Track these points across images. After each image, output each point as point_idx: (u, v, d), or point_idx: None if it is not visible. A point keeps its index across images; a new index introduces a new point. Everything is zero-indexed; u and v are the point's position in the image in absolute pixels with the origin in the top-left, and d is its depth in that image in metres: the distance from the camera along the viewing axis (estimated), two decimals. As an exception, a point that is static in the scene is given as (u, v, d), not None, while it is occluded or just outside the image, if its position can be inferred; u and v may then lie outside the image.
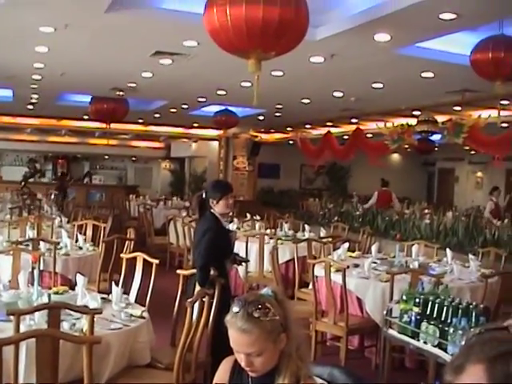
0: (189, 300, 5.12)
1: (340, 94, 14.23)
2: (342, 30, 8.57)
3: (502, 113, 11.69)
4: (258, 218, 15.08)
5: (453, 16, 7.67)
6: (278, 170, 27.54)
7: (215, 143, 25.28)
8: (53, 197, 21.59)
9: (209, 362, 5.62)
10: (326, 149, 19.03)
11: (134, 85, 13.96)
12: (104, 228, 10.96)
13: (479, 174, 27.75)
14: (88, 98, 15.96)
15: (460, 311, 5.35)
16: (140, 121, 22.42)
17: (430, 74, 11.36)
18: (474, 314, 5.30)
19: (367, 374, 7.20)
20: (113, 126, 16.90)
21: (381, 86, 12.76)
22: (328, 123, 20.03)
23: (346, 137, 19.89)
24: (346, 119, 18.85)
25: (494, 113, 12.66)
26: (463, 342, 4.99)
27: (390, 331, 6.23)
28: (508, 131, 13.43)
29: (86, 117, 20.27)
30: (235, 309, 2.75)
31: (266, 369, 2.78)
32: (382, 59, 10.23)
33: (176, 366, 4.98)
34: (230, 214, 9.24)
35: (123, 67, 12.10)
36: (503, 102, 12.15)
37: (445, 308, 5.49)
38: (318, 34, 8.93)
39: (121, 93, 14.90)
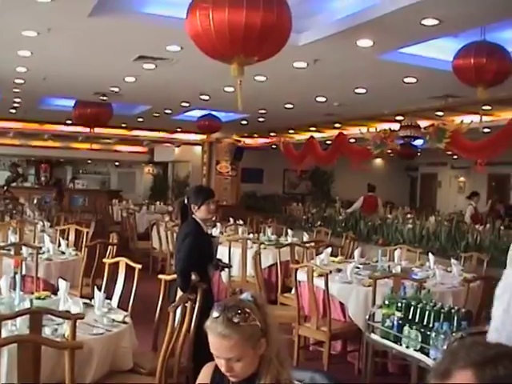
0: (171, 305, 5.12)
1: (323, 99, 14.25)
2: (325, 36, 8.59)
3: (484, 118, 11.77)
4: (241, 222, 15.08)
5: (435, 22, 7.71)
6: (261, 175, 27.54)
7: (198, 148, 25.26)
8: (35, 201, 21.52)
9: (191, 368, 5.61)
10: (309, 154, 19.04)
11: (117, 89, 13.93)
12: (87, 233, 10.91)
13: (462, 178, 27.89)
14: (71, 103, 15.93)
15: (442, 315, 5.38)
16: (123, 125, 22.37)
17: (413, 80, 11.41)
18: (456, 319, 5.33)
19: (350, 379, 7.21)
20: (96, 130, 16.90)
21: (364, 91, 12.79)
22: (311, 128, 20.08)
23: (328, 142, 19.95)
24: (328, 124, 18.90)
25: (476, 118, 12.73)
26: (445, 347, 5.01)
27: (373, 336, 6.25)
28: (490, 136, 13.49)
29: (69, 121, 20.21)
30: (215, 314, 2.75)
31: (246, 374, 2.78)
32: (365, 65, 10.27)
33: (158, 372, 4.97)
34: (213, 219, 9.23)
35: (106, 72, 12.08)
36: (485, 108, 12.24)
37: (427, 312, 5.51)
38: (301, 39, 8.96)
39: (104, 97, 14.87)
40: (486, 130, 13.79)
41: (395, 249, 10.05)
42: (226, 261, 8.90)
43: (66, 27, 8.80)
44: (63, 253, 9.45)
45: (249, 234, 13.22)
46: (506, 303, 3.26)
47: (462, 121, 13.82)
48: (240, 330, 2.70)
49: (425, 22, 7.71)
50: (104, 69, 11.77)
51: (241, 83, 6.29)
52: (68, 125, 21.32)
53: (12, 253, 8.45)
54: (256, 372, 2.79)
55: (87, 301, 5.95)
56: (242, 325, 2.70)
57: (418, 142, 15.18)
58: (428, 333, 5.36)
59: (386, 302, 6.07)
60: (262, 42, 5.85)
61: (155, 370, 5.01)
